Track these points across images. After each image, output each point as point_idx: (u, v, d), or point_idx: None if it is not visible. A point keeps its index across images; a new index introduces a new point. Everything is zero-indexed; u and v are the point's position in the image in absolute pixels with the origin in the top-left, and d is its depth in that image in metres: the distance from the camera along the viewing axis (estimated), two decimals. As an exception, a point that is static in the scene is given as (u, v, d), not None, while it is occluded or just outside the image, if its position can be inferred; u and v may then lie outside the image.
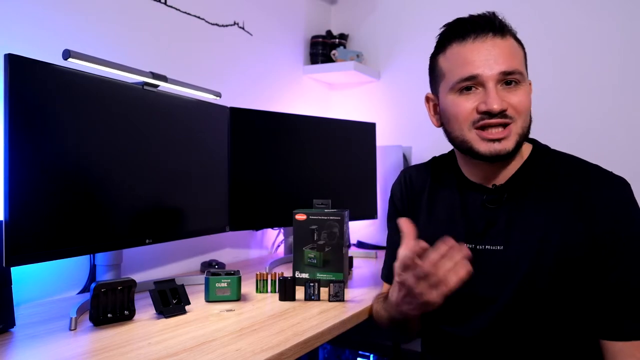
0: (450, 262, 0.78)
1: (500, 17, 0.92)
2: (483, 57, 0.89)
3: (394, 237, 1.14)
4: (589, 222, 0.89)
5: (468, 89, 0.91)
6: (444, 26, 0.97)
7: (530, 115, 0.94)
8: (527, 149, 0.99)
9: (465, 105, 0.91)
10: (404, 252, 0.80)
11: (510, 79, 0.90)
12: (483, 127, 0.90)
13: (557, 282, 0.90)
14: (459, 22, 0.94)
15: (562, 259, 0.89)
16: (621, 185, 0.91)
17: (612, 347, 0.87)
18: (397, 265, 0.82)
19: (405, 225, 0.83)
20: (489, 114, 0.89)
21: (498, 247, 0.94)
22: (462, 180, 1.03)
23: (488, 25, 0.90)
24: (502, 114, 0.89)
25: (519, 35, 0.96)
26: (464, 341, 0.97)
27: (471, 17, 0.93)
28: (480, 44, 0.90)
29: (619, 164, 0.95)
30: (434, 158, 1.14)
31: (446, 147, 1.15)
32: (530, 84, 0.96)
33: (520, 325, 0.92)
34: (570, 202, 0.91)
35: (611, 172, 0.94)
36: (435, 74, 0.99)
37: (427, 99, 1.04)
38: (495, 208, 0.96)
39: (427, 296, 0.80)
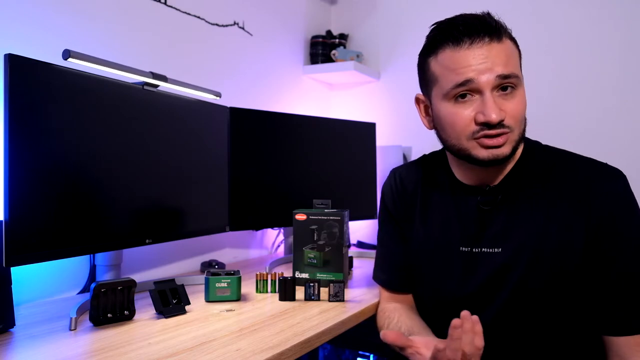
0: (469, 335, 0.75)
1: (496, 18, 0.87)
2: (479, 61, 0.84)
3: (387, 240, 1.12)
4: (586, 217, 0.88)
5: (463, 96, 0.87)
6: (434, 25, 0.92)
7: (525, 118, 0.92)
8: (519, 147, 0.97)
9: (462, 115, 0.87)
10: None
11: (506, 84, 0.86)
12: (481, 137, 0.88)
13: (555, 281, 0.89)
14: (451, 24, 0.88)
15: (560, 258, 0.89)
16: (616, 178, 0.90)
17: (616, 342, 0.87)
18: None
19: (394, 339, 0.83)
20: (488, 125, 0.85)
21: (495, 249, 0.93)
22: (454, 182, 1.01)
23: (484, 28, 0.85)
24: (500, 124, 0.85)
25: (518, 35, 0.93)
26: None
27: (464, 18, 0.87)
28: (476, 49, 0.85)
29: (618, 164, 0.94)
30: (424, 156, 1.11)
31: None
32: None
33: (519, 326, 0.92)
34: (566, 198, 0.90)
35: (606, 164, 0.92)
36: (426, 76, 0.94)
37: (417, 100, 1.00)
38: (490, 210, 0.95)
39: None
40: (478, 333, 0.75)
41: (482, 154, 0.88)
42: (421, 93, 0.99)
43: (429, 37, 0.93)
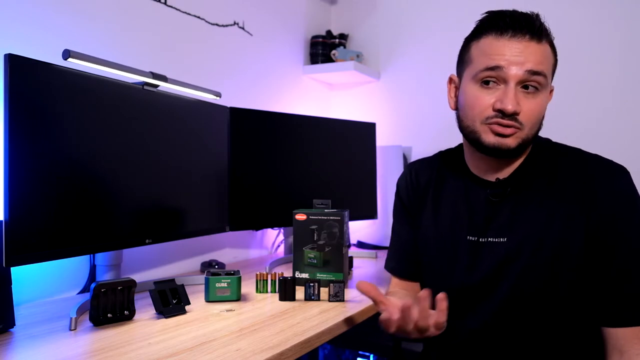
0: (428, 313, 0.83)
1: (542, 21, 0.93)
2: (513, 54, 0.90)
3: (400, 231, 1.15)
4: (588, 213, 0.91)
5: (487, 82, 0.92)
6: (486, 13, 0.97)
7: (541, 122, 0.95)
8: None
9: (483, 99, 0.92)
10: (384, 316, 0.87)
11: (532, 81, 0.90)
12: (494, 123, 0.92)
13: (556, 275, 0.91)
14: (500, 14, 0.94)
15: (561, 252, 0.91)
16: (621, 174, 0.92)
17: (614, 334, 0.88)
18: (387, 327, 0.88)
19: (368, 289, 0.88)
20: (503, 113, 0.90)
21: (501, 239, 0.96)
22: (466, 173, 1.04)
23: (528, 26, 0.91)
24: (513, 117, 0.90)
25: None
26: (467, 333, 0.98)
27: (514, 12, 0.93)
28: (516, 42, 0.90)
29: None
30: (440, 152, 1.15)
31: (446, 147, 1.16)
32: (552, 90, 0.97)
33: (521, 316, 0.94)
34: (571, 194, 0.93)
35: (611, 161, 0.95)
36: (464, 58, 1.00)
37: (451, 79, 1.05)
38: (498, 202, 0.98)
39: (424, 334, 0.85)
40: (442, 310, 0.83)
41: (490, 139, 0.93)
42: (455, 74, 1.04)
43: (477, 23, 0.98)
